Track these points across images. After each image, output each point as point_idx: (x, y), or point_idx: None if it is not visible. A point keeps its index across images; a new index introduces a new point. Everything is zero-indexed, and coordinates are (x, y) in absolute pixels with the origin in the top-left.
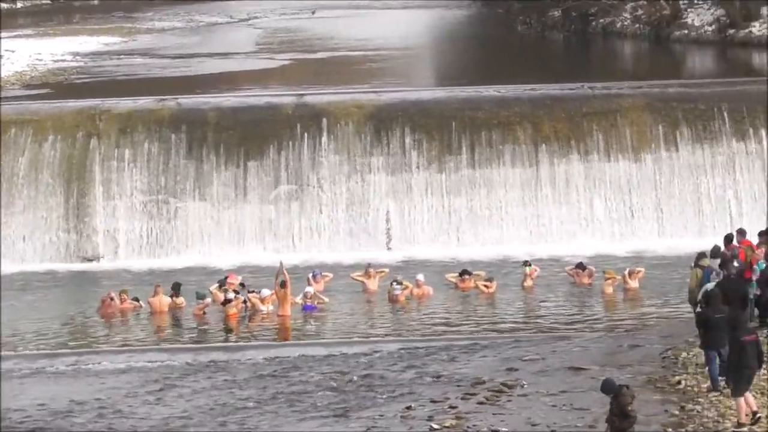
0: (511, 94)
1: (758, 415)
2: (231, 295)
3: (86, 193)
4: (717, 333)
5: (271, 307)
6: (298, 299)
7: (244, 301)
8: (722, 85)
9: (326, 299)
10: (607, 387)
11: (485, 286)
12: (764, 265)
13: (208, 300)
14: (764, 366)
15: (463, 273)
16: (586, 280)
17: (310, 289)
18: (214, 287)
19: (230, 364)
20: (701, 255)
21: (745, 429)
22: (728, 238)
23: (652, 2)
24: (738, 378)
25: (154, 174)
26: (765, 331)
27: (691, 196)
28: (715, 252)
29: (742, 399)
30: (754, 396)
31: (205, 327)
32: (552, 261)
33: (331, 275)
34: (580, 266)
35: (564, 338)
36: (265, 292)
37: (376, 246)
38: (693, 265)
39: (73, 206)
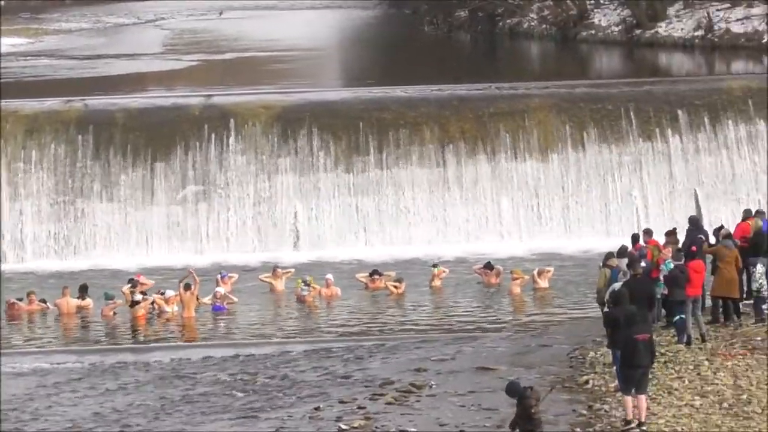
0: (418, 95)
1: (631, 426)
2: (138, 296)
3: None
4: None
5: (176, 308)
6: (208, 300)
7: (153, 302)
8: (629, 86)
9: (236, 299)
10: (512, 390)
11: (394, 286)
12: (671, 264)
13: (119, 301)
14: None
15: (374, 273)
16: (494, 280)
17: (220, 290)
18: (126, 287)
19: (138, 365)
20: (609, 255)
21: (633, 426)
22: (635, 238)
23: (558, 3)
24: (627, 376)
25: (61, 175)
26: (672, 331)
27: (598, 196)
28: (621, 252)
29: (628, 397)
30: (649, 398)
31: (113, 328)
32: (460, 261)
33: (236, 276)
34: (488, 266)
35: (472, 338)
36: (170, 293)
37: (283, 247)
38: (601, 264)
39: None
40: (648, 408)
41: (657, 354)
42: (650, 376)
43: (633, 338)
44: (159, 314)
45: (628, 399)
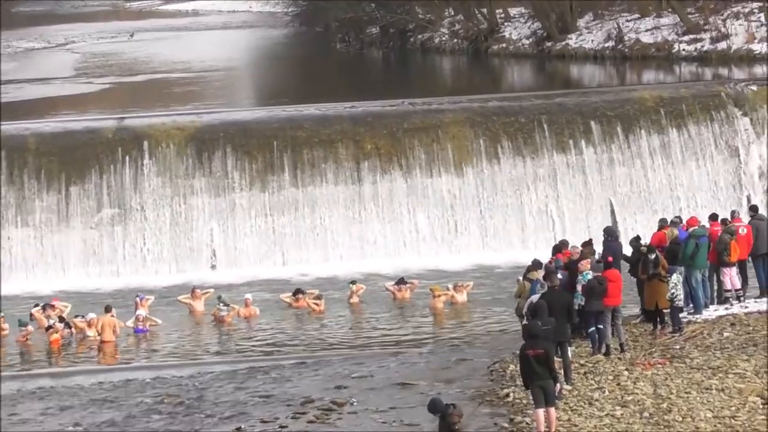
0: (331, 112)
1: None
2: (52, 321)
3: None
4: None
5: (95, 333)
6: (130, 323)
7: (69, 326)
8: (541, 98)
9: (159, 321)
10: (434, 406)
11: (315, 304)
12: (589, 275)
13: (30, 328)
14: (569, 381)
15: (297, 292)
16: (407, 295)
17: (141, 312)
18: (36, 309)
19: (58, 390)
20: (530, 267)
21: None
22: (557, 248)
23: (469, 17)
24: (531, 391)
25: None
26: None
27: (513, 210)
28: (535, 265)
29: (539, 410)
30: (570, 409)
31: (30, 354)
32: (378, 277)
33: (152, 298)
34: (401, 281)
35: (392, 354)
36: (91, 315)
37: (201, 268)
38: (522, 277)
39: None
40: (568, 419)
41: (577, 365)
42: (570, 387)
43: (525, 354)
44: (82, 339)
45: (540, 412)
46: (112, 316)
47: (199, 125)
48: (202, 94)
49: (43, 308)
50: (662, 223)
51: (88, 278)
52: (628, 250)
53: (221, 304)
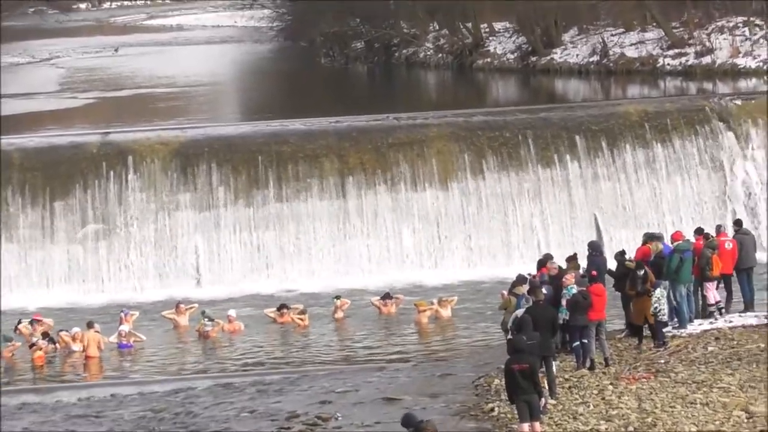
0: (316, 127)
1: None
2: (35, 339)
3: None
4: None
5: (81, 347)
6: (113, 338)
7: (53, 341)
8: (526, 113)
9: (143, 337)
10: (407, 421)
11: (300, 319)
12: (573, 289)
13: (17, 343)
14: (554, 396)
15: (282, 307)
16: (393, 310)
17: (124, 328)
18: (23, 325)
19: (43, 405)
20: (515, 282)
21: None
22: (541, 263)
23: (454, 32)
24: (516, 406)
25: None
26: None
27: (498, 224)
28: (520, 279)
29: (524, 425)
30: (555, 424)
31: (15, 369)
32: (362, 293)
33: (137, 313)
34: (387, 296)
35: (377, 369)
36: (75, 329)
37: (185, 283)
38: (507, 292)
39: None
40: None
41: (561, 379)
42: (554, 401)
43: (510, 368)
44: (67, 354)
45: (525, 426)
46: (97, 331)
47: (184, 140)
48: (186, 109)
49: (31, 323)
50: (647, 238)
51: (73, 294)
52: (612, 265)
53: (206, 320)
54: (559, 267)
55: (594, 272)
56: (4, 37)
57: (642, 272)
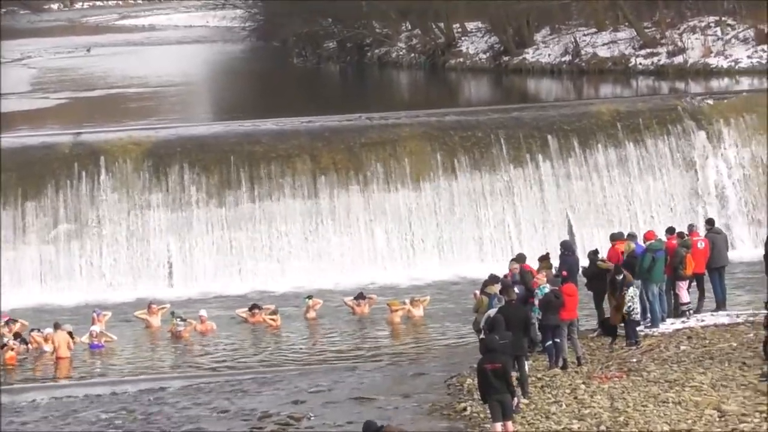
0: (289, 127)
1: None
2: (6, 339)
3: None
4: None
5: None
6: (85, 339)
7: (25, 342)
8: (498, 112)
9: (114, 337)
10: (367, 428)
11: (272, 319)
12: (546, 289)
13: None
14: (526, 395)
15: (253, 307)
16: (366, 310)
17: (95, 328)
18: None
19: (15, 405)
20: (487, 281)
21: None
22: (519, 259)
23: (426, 31)
24: (489, 405)
25: None
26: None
27: (471, 223)
28: (492, 279)
29: (497, 424)
30: (528, 423)
31: None
32: (335, 292)
33: (110, 313)
34: (360, 296)
35: (349, 369)
36: (48, 330)
37: (158, 283)
38: (479, 291)
39: None
40: None
41: (534, 378)
42: (527, 400)
43: (482, 368)
44: (40, 355)
45: (497, 426)
46: (70, 332)
47: (156, 140)
48: (158, 109)
49: (7, 324)
50: (613, 238)
51: (45, 294)
52: (586, 264)
53: (178, 320)
54: (521, 268)
55: (565, 272)
56: None
57: (621, 277)
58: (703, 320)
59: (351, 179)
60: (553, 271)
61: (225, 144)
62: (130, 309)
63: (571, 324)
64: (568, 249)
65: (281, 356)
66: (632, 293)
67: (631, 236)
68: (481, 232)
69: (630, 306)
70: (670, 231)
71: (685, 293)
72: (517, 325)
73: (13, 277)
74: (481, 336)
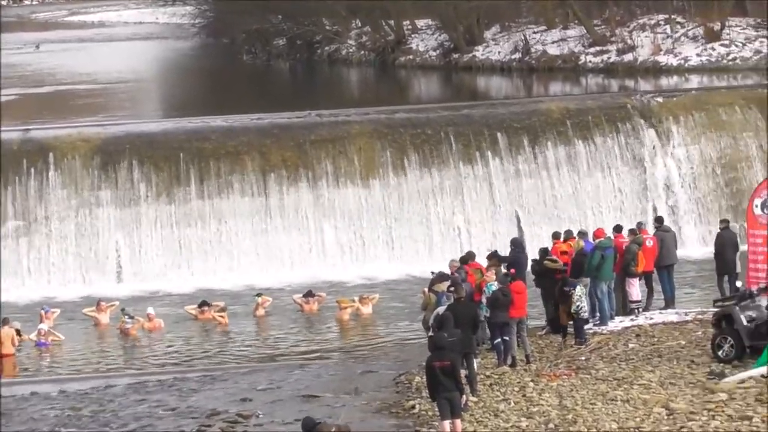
0: (238, 124)
1: None
2: None
3: None
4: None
5: None
6: (33, 336)
7: None
8: (448, 110)
9: (62, 336)
10: (305, 425)
11: (220, 316)
12: (494, 287)
13: None
14: (475, 393)
15: (202, 304)
16: (315, 308)
17: (43, 326)
18: None
19: None
20: (436, 279)
21: None
22: (464, 260)
23: (376, 29)
24: (438, 403)
25: None
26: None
27: (420, 221)
28: (441, 276)
29: (446, 422)
30: (476, 421)
31: None
32: (284, 289)
33: (58, 311)
34: (309, 294)
35: (298, 366)
36: None
37: (107, 280)
38: (427, 289)
39: None
40: (474, 431)
41: (482, 376)
42: (475, 398)
43: (431, 365)
44: None
45: (446, 424)
46: (17, 330)
47: (105, 137)
48: (108, 105)
49: None
50: (567, 235)
51: None
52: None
53: (126, 317)
54: (460, 267)
55: (513, 269)
56: None
57: (567, 288)
58: (651, 318)
59: (300, 176)
60: (502, 268)
61: (174, 141)
62: (79, 306)
63: (521, 322)
64: (517, 246)
65: (230, 354)
66: (580, 292)
67: (582, 234)
68: (430, 229)
69: (578, 305)
70: (617, 229)
71: (636, 290)
72: (465, 323)
73: None
74: (430, 333)
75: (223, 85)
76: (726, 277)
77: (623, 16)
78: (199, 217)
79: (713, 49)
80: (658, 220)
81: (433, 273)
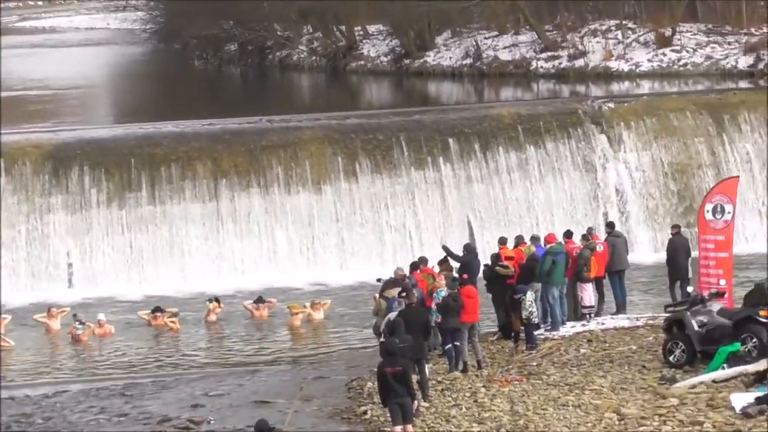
0: (189, 130)
1: None
2: None
3: None
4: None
5: None
6: None
7: None
8: (399, 115)
9: (12, 342)
10: (259, 428)
11: (171, 322)
12: (443, 292)
13: None
14: (426, 399)
15: (156, 310)
16: (265, 314)
17: None
18: None
19: None
20: (386, 285)
21: None
22: (414, 265)
23: (327, 34)
24: (389, 409)
25: None
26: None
27: (372, 227)
28: (391, 283)
29: (397, 428)
30: (427, 426)
31: None
32: (235, 295)
33: (9, 317)
34: (260, 300)
35: (249, 372)
36: None
37: (57, 286)
38: (378, 294)
39: None
40: None
41: (434, 382)
42: (427, 404)
43: (383, 371)
44: None
45: (397, 429)
46: None
47: (56, 143)
48: (58, 111)
49: None
50: (500, 242)
51: None
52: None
53: (77, 323)
54: (409, 276)
55: (465, 275)
56: None
57: (518, 296)
58: (603, 323)
59: (251, 182)
60: (454, 273)
61: (125, 147)
62: (29, 312)
63: (473, 327)
64: (470, 251)
65: (180, 360)
66: (530, 298)
67: (534, 239)
68: (381, 235)
69: (530, 310)
70: (568, 235)
71: (588, 296)
72: (417, 328)
73: None
74: (381, 339)
75: (175, 91)
76: (678, 283)
77: (575, 21)
78: (151, 223)
79: (664, 54)
80: (610, 226)
81: (379, 281)
